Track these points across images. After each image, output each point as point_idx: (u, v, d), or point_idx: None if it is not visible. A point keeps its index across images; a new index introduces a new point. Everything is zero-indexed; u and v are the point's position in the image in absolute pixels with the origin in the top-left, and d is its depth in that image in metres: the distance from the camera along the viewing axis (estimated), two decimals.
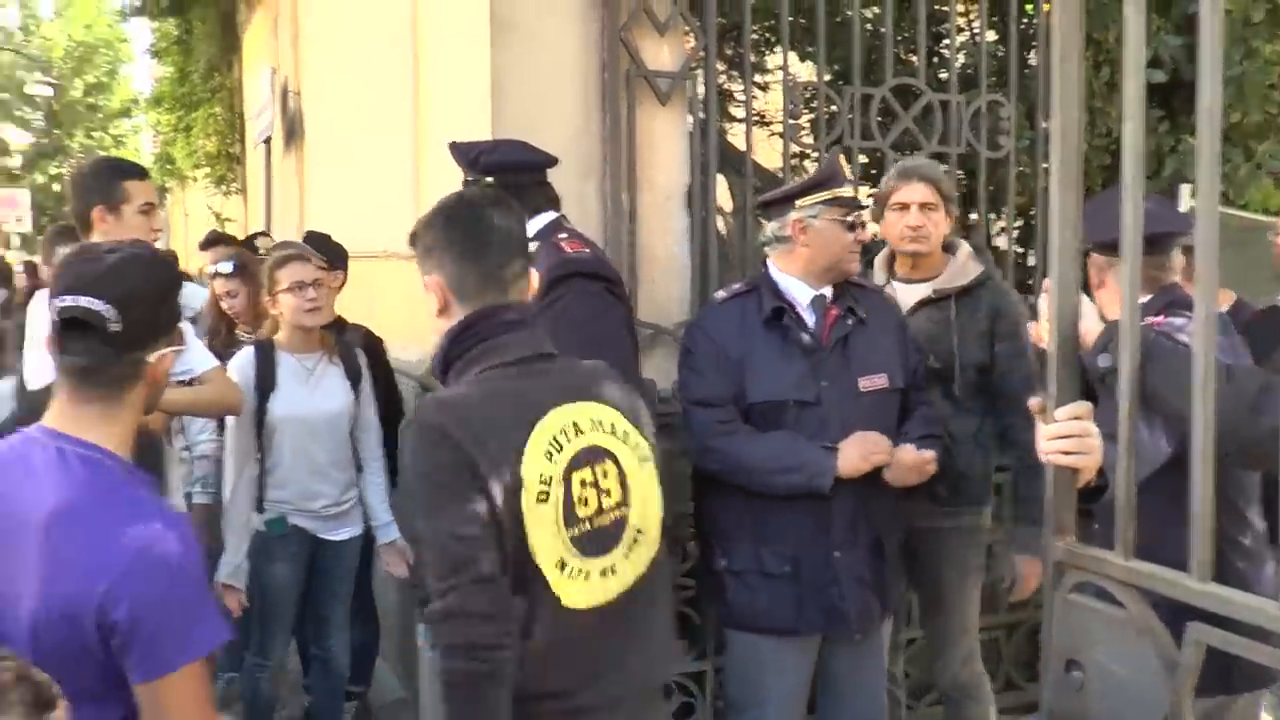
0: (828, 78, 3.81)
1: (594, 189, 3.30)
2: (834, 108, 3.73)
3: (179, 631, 1.52)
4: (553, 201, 2.82)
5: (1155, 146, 4.55)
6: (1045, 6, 4.00)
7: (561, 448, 1.82)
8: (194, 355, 2.97)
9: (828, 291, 2.78)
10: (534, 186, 2.77)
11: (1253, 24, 4.60)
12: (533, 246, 2.41)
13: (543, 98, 3.29)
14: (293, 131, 7.55)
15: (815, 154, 3.85)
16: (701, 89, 3.50)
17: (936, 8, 4.24)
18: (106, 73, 32.38)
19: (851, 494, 2.65)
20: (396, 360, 4.03)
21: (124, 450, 1.64)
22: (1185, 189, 3.84)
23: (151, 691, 1.51)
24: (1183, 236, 2.47)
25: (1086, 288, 2.16)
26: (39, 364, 2.75)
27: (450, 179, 2.79)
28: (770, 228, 2.83)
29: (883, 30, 3.91)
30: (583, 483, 1.84)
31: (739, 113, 4.45)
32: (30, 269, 8.73)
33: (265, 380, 3.36)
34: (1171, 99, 4.58)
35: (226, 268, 4.11)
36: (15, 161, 30.39)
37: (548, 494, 1.79)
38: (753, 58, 4.02)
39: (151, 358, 1.65)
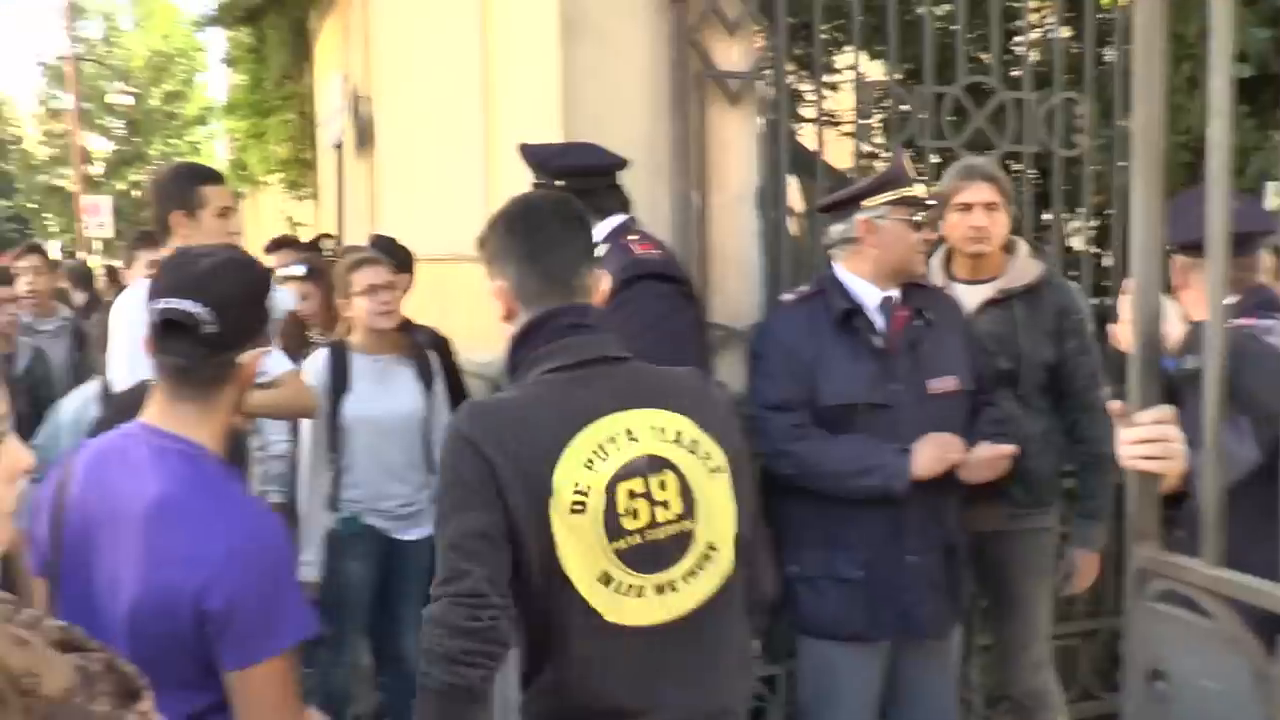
0: (899, 76, 3.77)
1: (664, 190, 3.29)
2: (905, 107, 3.69)
3: (269, 622, 1.59)
4: (623, 204, 2.82)
5: (1240, 143, 4.43)
6: (1122, 1, 3.91)
7: (607, 456, 1.74)
8: (270, 358, 3.02)
9: (895, 293, 2.75)
10: (604, 189, 2.77)
11: None
12: (602, 249, 2.41)
13: (613, 99, 3.29)
14: (363, 136, 7.65)
15: (886, 154, 3.81)
16: (772, 89, 3.49)
17: (1009, 4, 4.17)
18: (183, 81, 33.15)
19: (923, 497, 2.62)
20: (467, 361, 4.07)
21: (218, 447, 1.71)
22: (1272, 186, 3.74)
23: (242, 680, 1.58)
24: (1270, 236, 2.40)
25: (1168, 289, 2.11)
26: (122, 366, 2.82)
27: (520, 181, 2.80)
28: (836, 229, 2.80)
29: (954, 28, 3.85)
30: (631, 494, 1.74)
31: (808, 113, 4.41)
32: (111, 273, 8.95)
33: (339, 381, 3.41)
34: (1259, 94, 4.45)
35: (299, 271, 4.18)
36: (98, 169, 31.22)
37: (584, 504, 1.72)
38: (823, 57, 3.99)
39: (243, 359, 1.70)
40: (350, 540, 3.42)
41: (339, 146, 9.05)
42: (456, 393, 3.85)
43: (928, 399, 2.69)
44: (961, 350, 2.80)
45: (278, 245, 5.66)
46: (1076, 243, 4.36)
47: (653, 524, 1.76)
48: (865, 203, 2.73)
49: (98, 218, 21.20)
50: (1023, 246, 3.15)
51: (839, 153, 4.18)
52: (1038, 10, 4.73)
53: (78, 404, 3.05)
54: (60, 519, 1.69)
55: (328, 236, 8.58)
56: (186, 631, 1.56)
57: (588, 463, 1.73)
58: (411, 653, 3.61)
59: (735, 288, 3.41)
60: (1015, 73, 4.12)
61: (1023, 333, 3.02)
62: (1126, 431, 1.79)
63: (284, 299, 4.25)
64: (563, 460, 1.72)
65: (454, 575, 1.69)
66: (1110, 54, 4.18)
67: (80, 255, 16.85)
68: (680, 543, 1.78)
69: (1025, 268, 3.08)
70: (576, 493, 1.71)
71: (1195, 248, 2.05)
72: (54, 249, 19.75)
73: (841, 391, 2.67)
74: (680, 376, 1.93)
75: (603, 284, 1.94)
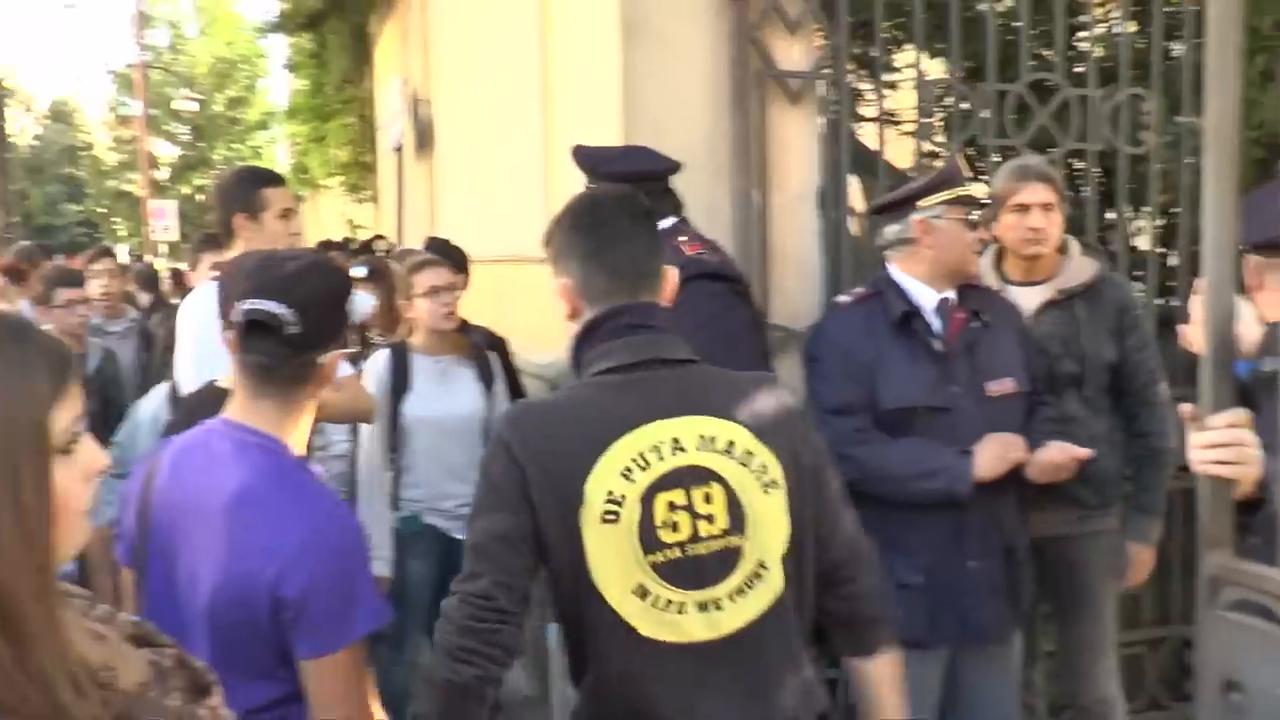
0: (960, 74, 3.73)
1: (724, 190, 3.28)
2: (967, 105, 3.64)
3: (342, 611, 1.62)
4: (675, 207, 2.80)
5: None
6: None
7: (648, 465, 1.66)
8: None
9: (952, 294, 2.72)
10: (657, 194, 2.76)
11: None
12: None
13: (673, 99, 3.29)
14: (423, 139, 7.74)
15: (948, 153, 3.76)
16: (832, 88, 3.46)
17: None
18: (245, 87, 33.75)
19: (984, 500, 2.59)
20: (526, 362, 4.09)
21: (297, 443, 1.76)
22: None
23: (316, 669, 1.62)
24: None
25: (1242, 289, 2.06)
26: (189, 368, 2.86)
27: (579, 183, 2.80)
28: (890, 230, 2.77)
29: (1017, 24, 3.79)
30: (670, 505, 1.67)
31: (869, 112, 4.37)
32: (176, 276, 9.12)
33: (400, 382, 3.45)
34: None
35: (360, 273, 4.22)
36: (163, 174, 31.86)
37: (617, 514, 1.65)
38: (884, 56, 3.95)
39: (324, 359, 1.74)
40: (411, 539, 3.46)
41: (399, 149, 9.16)
42: (516, 393, 3.88)
43: (986, 401, 2.66)
44: (1017, 351, 2.76)
45: (324, 249, 5.71)
46: (1142, 242, 4.27)
47: (694, 538, 1.68)
48: (921, 203, 2.70)
49: (163, 221, 21.67)
50: (1075, 245, 3.10)
51: (900, 152, 4.14)
52: (1102, 5, 4.65)
53: (155, 404, 3.12)
54: (147, 511, 1.74)
55: (380, 238, 8.68)
56: (263, 620, 1.60)
57: (625, 471, 1.66)
58: None
59: (795, 288, 3.39)
60: (1079, 69, 4.05)
61: (1085, 333, 2.97)
62: (1198, 435, 1.74)
63: (363, 303, 4.30)
64: (597, 467, 1.66)
65: (470, 574, 1.69)
66: (1178, 48, 4.09)
67: (147, 258, 17.21)
68: (726, 559, 1.70)
69: (1081, 267, 3.03)
70: (609, 502, 1.65)
71: (1271, 247, 2.00)
72: (122, 252, 20.20)
73: (901, 395, 2.64)
74: (743, 382, 1.83)
75: (671, 279, 1.86)
